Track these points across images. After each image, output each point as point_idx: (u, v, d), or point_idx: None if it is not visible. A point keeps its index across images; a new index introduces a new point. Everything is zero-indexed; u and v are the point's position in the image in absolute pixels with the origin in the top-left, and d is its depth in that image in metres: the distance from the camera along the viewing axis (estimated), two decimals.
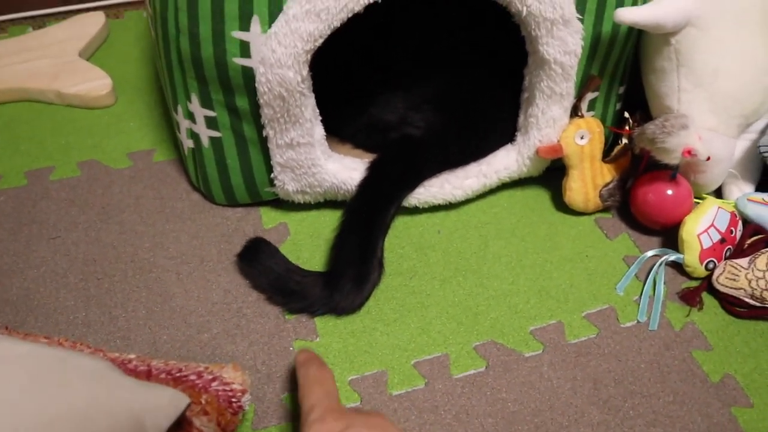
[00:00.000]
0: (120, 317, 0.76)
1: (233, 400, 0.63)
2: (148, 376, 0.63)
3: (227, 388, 0.63)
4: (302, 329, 0.76)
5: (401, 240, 0.86)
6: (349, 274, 0.77)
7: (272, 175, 0.82)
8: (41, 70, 1.04)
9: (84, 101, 1.02)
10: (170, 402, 0.53)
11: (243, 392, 0.64)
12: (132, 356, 0.66)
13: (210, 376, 0.63)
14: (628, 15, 0.76)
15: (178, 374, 0.63)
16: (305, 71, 0.72)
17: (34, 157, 0.95)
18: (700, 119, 0.83)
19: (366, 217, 0.81)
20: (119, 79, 1.07)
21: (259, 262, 0.80)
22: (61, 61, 1.06)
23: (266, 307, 0.78)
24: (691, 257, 0.82)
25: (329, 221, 0.87)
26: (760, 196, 0.86)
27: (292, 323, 0.76)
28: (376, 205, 0.82)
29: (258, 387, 0.71)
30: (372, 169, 0.83)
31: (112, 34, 1.18)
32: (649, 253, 0.85)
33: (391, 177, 0.84)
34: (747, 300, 0.79)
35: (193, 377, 0.63)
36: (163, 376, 0.63)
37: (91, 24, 1.13)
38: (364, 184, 0.83)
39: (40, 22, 1.19)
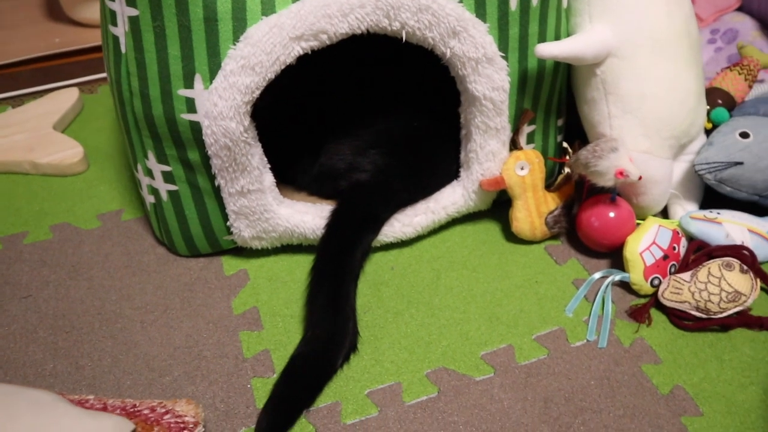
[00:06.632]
0: (86, 366, 0.79)
1: (185, 431, 0.65)
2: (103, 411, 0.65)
3: (179, 420, 0.66)
4: (260, 367, 0.79)
5: None
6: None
7: (228, 223, 0.86)
8: (17, 143, 1.10)
9: (58, 169, 1.07)
10: (114, 428, 0.56)
11: (195, 424, 0.66)
12: (90, 396, 0.69)
13: (163, 410, 0.66)
14: (547, 49, 0.80)
15: (132, 409, 0.66)
16: (247, 122, 0.77)
17: (10, 224, 0.99)
18: (633, 143, 0.87)
19: (334, 267, 0.83)
20: (91, 147, 1.13)
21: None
22: (36, 135, 1.12)
23: (226, 348, 0.81)
24: (636, 275, 0.85)
25: (286, 265, 0.91)
26: (701, 213, 0.89)
27: (250, 362, 0.79)
28: (342, 254, 0.84)
29: (216, 423, 0.73)
30: (330, 224, 0.87)
31: (87, 107, 1.25)
32: (597, 275, 0.88)
33: (351, 225, 0.87)
34: (693, 312, 0.81)
35: (146, 411, 0.66)
36: (118, 411, 0.65)
37: (65, 99, 1.20)
38: (327, 239, 0.86)
39: (18, 102, 1.26)
